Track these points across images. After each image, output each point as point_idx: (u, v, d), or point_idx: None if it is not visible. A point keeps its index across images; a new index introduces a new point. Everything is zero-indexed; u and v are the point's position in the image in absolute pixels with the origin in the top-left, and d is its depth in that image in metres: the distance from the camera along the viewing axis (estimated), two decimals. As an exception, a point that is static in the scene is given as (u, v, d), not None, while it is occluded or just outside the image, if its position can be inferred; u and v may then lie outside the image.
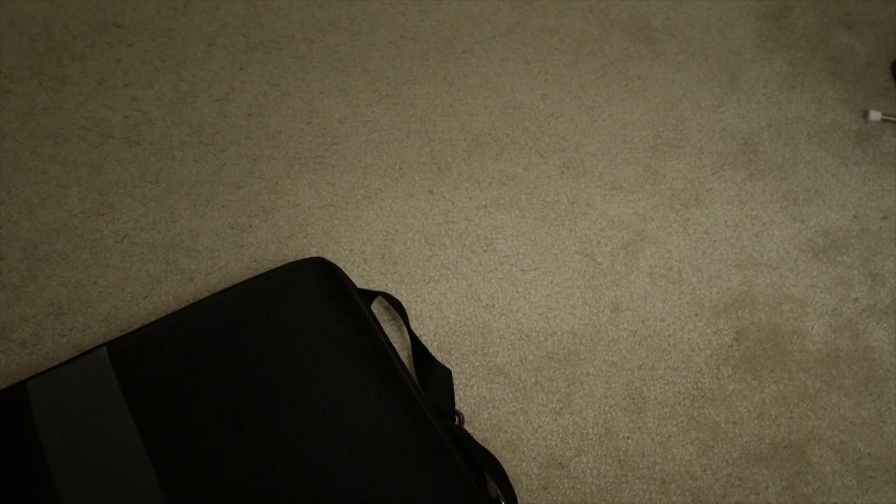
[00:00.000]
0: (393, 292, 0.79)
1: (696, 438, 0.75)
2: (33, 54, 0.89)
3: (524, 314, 0.80)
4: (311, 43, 0.94)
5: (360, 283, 0.80)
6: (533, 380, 0.76)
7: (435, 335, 0.78)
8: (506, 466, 0.72)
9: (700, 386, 0.78)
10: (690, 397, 0.77)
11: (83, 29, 0.92)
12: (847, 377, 0.79)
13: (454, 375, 0.76)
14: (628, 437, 0.75)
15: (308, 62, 0.92)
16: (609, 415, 0.75)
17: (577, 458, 0.73)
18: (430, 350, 0.76)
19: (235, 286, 0.69)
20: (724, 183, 0.89)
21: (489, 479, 0.67)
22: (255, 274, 0.78)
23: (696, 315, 0.81)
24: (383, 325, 0.75)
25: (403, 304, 0.78)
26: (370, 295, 0.75)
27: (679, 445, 0.75)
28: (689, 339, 0.80)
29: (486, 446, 0.73)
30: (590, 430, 0.75)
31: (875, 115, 0.93)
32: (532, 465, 0.72)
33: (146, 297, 0.76)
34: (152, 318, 0.75)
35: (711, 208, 0.88)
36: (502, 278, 0.81)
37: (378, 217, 0.83)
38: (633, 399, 0.76)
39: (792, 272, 0.84)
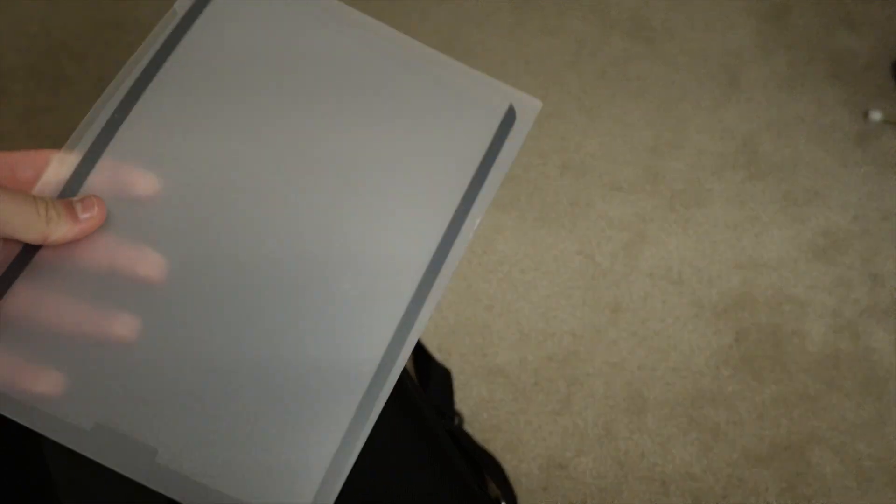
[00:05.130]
0: (392, 292, 0.79)
1: (696, 439, 0.75)
2: (32, 54, 0.89)
3: (524, 315, 0.79)
4: (310, 43, 0.93)
5: (360, 283, 0.80)
6: (533, 380, 0.76)
7: (435, 335, 0.77)
8: (506, 467, 0.72)
9: (700, 387, 0.77)
10: (690, 398, 0.77)
11: (82, 28, 0.91)
12: (847, 378, 0.79)
13: (454, 375, 0.75)
14: (628, 438, 0.74)
15: (307, 62, 0.92)
16: (609, 415, 0.75)
17: (577, 459, 0.73)
18: (430, 350, 0.76)
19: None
20: (724, 183, 0.89)
21: (489, 480, 0.67)
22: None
23: (696, 316, 0.81)
24: (383, 326, 0.75)
25: (403, 304, 0.78)
26: (370, 295, 0.74)
27: (679, 446, 0.74)
28: (689, 339, 0.80)
29: (486, 447, 0.73)
30: (590, 431, 0.74)
31: (875, 116, 0.93)
32: (532, 465, 0.72)
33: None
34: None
35: (711, 209, 0.87)
36: (502, 279, 0.81)
37: (377, 217, 0.83)
38: (633, 399, 0.76)
39: (792, 273, 0.84)
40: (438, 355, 0.76)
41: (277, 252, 0.30)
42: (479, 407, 0.74)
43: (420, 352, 0.73)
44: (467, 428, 0.73)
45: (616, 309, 0.81)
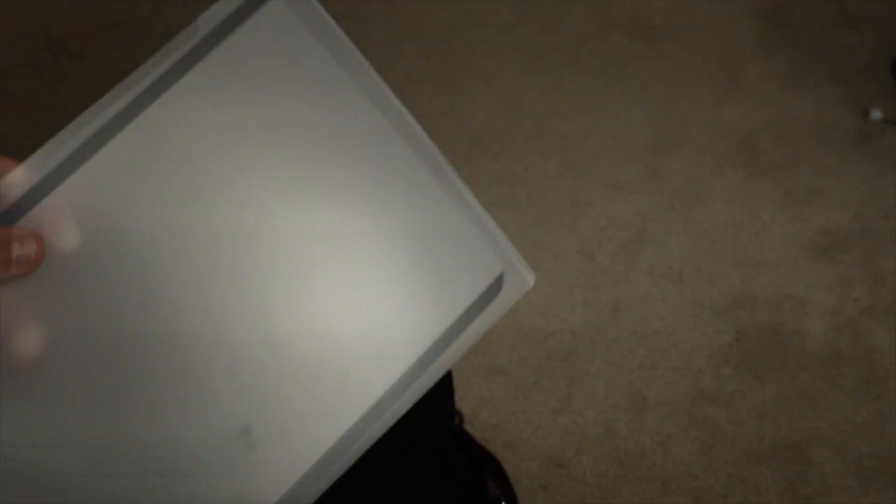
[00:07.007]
0: (393, 292, 0.79)
1: (696, 438, 0.75)
2: (32, 51, 0.89)
3: (524, 314, 0.79)
4: (310, 42, 0.94)
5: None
6: (533, 379, 0.76)
7: (435, 335, 0.77)
8: (506, 466, 0.72)
9: (700, 386, 0.77)
10: (691, 397, 0.77)
11: (81, 27, 0.91)
12: (848, 377, 0.79)
13: (454, 375, 0.76)
14: (628, 437, 0.74)
15: (308, 61, 0.92)
16: (609, 415, 0.75)
17: (577, 458, 0.73)
18: (430, 350, 0.76)
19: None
20: (724, 182, 0.89)
21: (489, 479, 0.67)
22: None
23: (697, 315, 0.81)
24: (383, 325, 0.75)
25: (403, 303, 0.78)
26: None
27: (679, 445, 0.74)
28: (689, 338, 0.80)
29: (487, 446, 0.73)
30: (590, 430, 0.74)
31: (876, 115, 0.93)
32: (532, 464, 0.72)
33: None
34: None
35: (711, 208, 0.87)
36: (502, 278, 0.81)
37: (378, 216, 0.83)
38: (633, 399, 0.76)
39: (792, 272, 0.84)
40: (439, 354, 0.76)
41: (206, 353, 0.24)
42: (479, 406, 0.74)
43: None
44: (467, 427, 0.73)
45: (616, 308, 0.81)
